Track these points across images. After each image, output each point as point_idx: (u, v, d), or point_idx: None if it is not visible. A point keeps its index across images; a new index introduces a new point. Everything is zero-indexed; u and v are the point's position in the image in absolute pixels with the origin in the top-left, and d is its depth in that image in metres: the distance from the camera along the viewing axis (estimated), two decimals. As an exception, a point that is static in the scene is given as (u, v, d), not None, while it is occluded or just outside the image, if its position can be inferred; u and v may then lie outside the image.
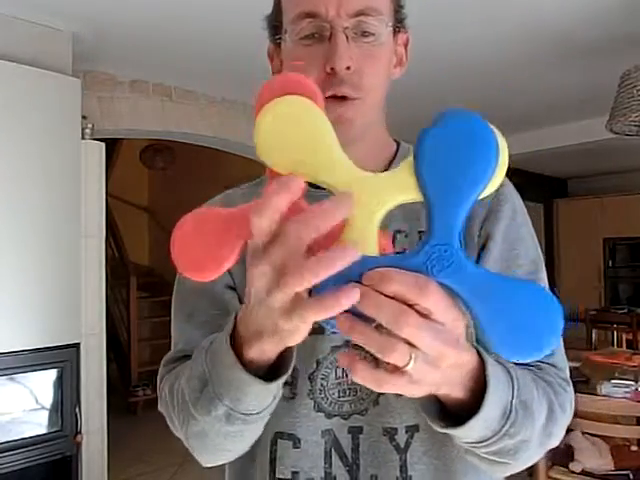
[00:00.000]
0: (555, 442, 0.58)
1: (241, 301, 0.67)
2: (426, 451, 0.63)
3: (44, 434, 2.29)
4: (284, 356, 0.50)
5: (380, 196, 0.39)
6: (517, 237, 0.67)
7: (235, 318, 0.49)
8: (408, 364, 0.37)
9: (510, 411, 0.50)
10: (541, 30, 2.62)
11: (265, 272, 0.38)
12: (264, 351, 0.46)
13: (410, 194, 0.39)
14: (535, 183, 5.92)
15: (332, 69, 0.60)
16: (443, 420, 0.49)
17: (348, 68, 0.60)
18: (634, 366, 2.46)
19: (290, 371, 0.51)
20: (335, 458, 0.64)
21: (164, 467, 3.43)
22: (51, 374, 2.32)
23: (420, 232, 0.66)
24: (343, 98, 0.62)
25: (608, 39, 2.72)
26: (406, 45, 0.72)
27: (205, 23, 2.53)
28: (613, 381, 2.19)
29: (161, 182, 6.75)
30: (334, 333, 0.63)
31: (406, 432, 0.63)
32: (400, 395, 0.61)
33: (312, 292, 0.37)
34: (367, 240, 0.38)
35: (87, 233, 2.56)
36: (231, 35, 2.65)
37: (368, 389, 0.62)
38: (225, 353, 0.49)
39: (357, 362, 0.38)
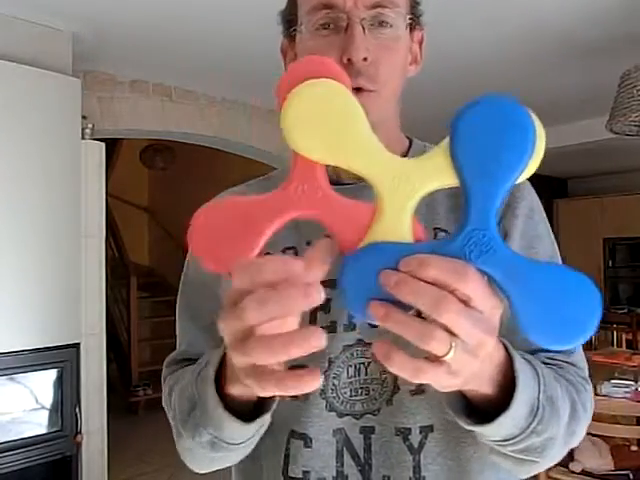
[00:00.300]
0: (577, 441, 0.58)
1: None
2: (441, 452, 0.62)
3: (44, 434, 2.28)
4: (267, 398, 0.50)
5: (414, 182, 0.38)
6: (535, 235, 0.66)
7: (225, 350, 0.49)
8: (448, 353, 0.36)
9: (537, 408, 0.49)
10: (541, 30, 2.62)
11: (228, 329, 0.38)
12: (244, 391, 0.47)
13: (445, 179, 0.38)
14: (535, 183, 5.90)
15: (349, 60, 0.60)
16: (469, 417, 0.49)
17: (365, 59, 0.60)
18: (634, 366, 2.46)
19: (270, 413, 0.51)
20: (347, 457, 0.63)
21: (164, 467, 3.43)
22: (51, 374, 2.32)
23: (436, 229, 0.65)
24: (359, 89, 0.61)
25: (608, 39, 2.72)
26: (421, 43, 0.71)
27: (205, 23, 2.53)
28: (613, 381, 2.19)
29: (161, 182, 6.75)
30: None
31: (420, 432, 0.62)
32: (414, 394, 0.61)
33: (337, 285, 0.37)
34: (401, 228, 0.37)
35: (87, 233, 2.56)
36: (231, 35, 2.65)
37: (380, 388, 0.62)
38: (209, 386, 0.50)
39: (394, 351, 0.36)
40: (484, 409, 0.48)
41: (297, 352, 0.35)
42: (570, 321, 0.36)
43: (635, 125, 2.74)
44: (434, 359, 0.36)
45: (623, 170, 6.04)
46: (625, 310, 5.03)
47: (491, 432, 0.49)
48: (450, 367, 0.37)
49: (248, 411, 0.50)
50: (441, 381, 0.38)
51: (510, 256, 0.37)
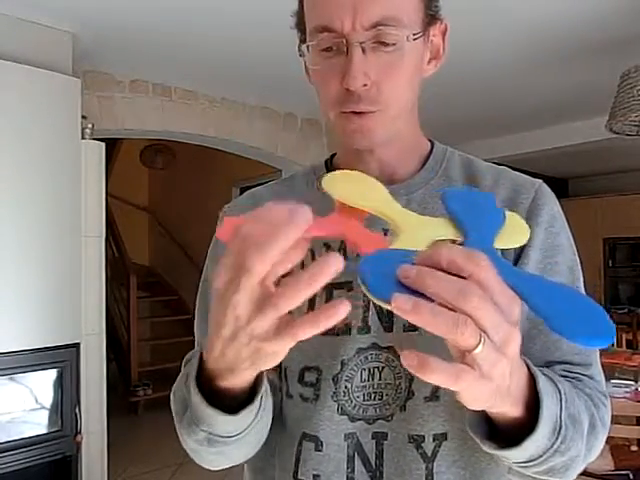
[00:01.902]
0: (594, 457, 0.57)
1: None
2: (454, 461, 0.61)
3: (44, 434, 2.28)
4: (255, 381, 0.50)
5: (425, 232, 0.44)
6: (555, 244, 0.65)
7: (201, 356, 0.49)
8: (478, 346, 0.34)
9: (560, 426, 0.48)
10: (541, 31, 2.62)
11: (240, 301, 0.37)
12: (242, 380, 0.46)
13: (450, 231, 0.44)
14: (535, 183, 5.89)
15: (347, 87, 0.59)
16: (491, 440, 0.48)
17: (365, 85, 0.59)
18: (634, 366, 2.46)
19: (258, 401, 0.51)
20: (358, 463, 0.61)
21: (164, 467, 3.44)
22: (51, 374, 2.32)
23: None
24: (361, 113, 0.61)
25: (608, 39, 2.72)
26: (444, 34, 0.67)
27: (205, 23, 2.53)
28: (613, 381, 2.19)
29: (161, 182, 6.75)
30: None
31: (433, 440, 0.60)
32: (428, 401, 0.60)
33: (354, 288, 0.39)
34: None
35: (87, 233, 2.56)
36: (231, 35, 2.65)
37: (394, 394, 0.61)
38: (192, 389, 0.49)
39: (429, 358, 0.34)
40: (506, 430, 0.47)
41: (324, 279, 0.35)
42: (594, 319, 0.36)
43: (635, 125, 2.74)
44: (463, 357, 0.35)
45: (623, 170, 6.05)
46: (625, 310, 5.03)
47: (515, 455, 0.48)
48: (482, 369, 0.35)
49: (242, 398, 0.50)
50: (475, 387, 0.36)
51: (514, 271, 0.39)
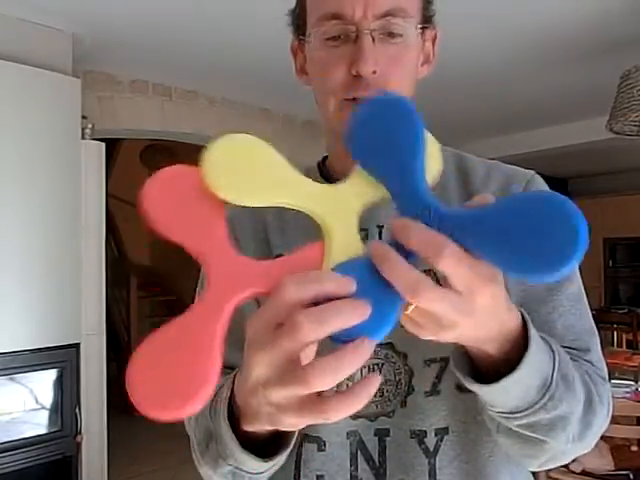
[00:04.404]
0: (593, 436, 0.56)
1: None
2: (456, 455, 0.61)
3: (44, 434, 2.29)
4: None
5: (348, 203, 0.39)
6: None
7: (232, 388, 0.48)
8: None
9: (550, 383, 0.47)
10: (542, 31, 2.62)
11: (274, 354, 0.34)
12: (261, 428, 0.44)
13: (374, 194, 0.39)
14: (535, 183, 5.89)
15: (358, 72, 0.59)
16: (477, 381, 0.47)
17: (374, 72, 0.59)
18: (634, 366, 2.46)
19: (290, 448, 0.50)
20: (361, 460, 0.62)
21: (164, 467, 3.43)
22: (51, 374, 2.32)
23: (379, 226, 0.64)
24: None
25: (608, 39, 2.72)
26: (434, 41, 0.69)
27: (205, 23, 2.53)
28: (613, 381, 2.19)
29: (161, 182, 6.75)
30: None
31: (435, 435, 0.61)
32: (429, 395, 0.60)
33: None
34: (355, 243, 0.38)
35: (87, 233, 2.56)
36: (231, 35, 2.65)
37: (395, 390, 0.61)
38: (224, 424, 0.48)
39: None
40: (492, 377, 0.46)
41: (361, 361, 0.34)
42: (547, 247, 0.32)
43: (635, 125, 2.74)
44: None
45: (623, 170, 6.05)
46: (625, 310, 5.02)
47: (498, 396, 0.47)
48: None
49: (268, 440, 0.49)
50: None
51: (462, 214, 0.35)
